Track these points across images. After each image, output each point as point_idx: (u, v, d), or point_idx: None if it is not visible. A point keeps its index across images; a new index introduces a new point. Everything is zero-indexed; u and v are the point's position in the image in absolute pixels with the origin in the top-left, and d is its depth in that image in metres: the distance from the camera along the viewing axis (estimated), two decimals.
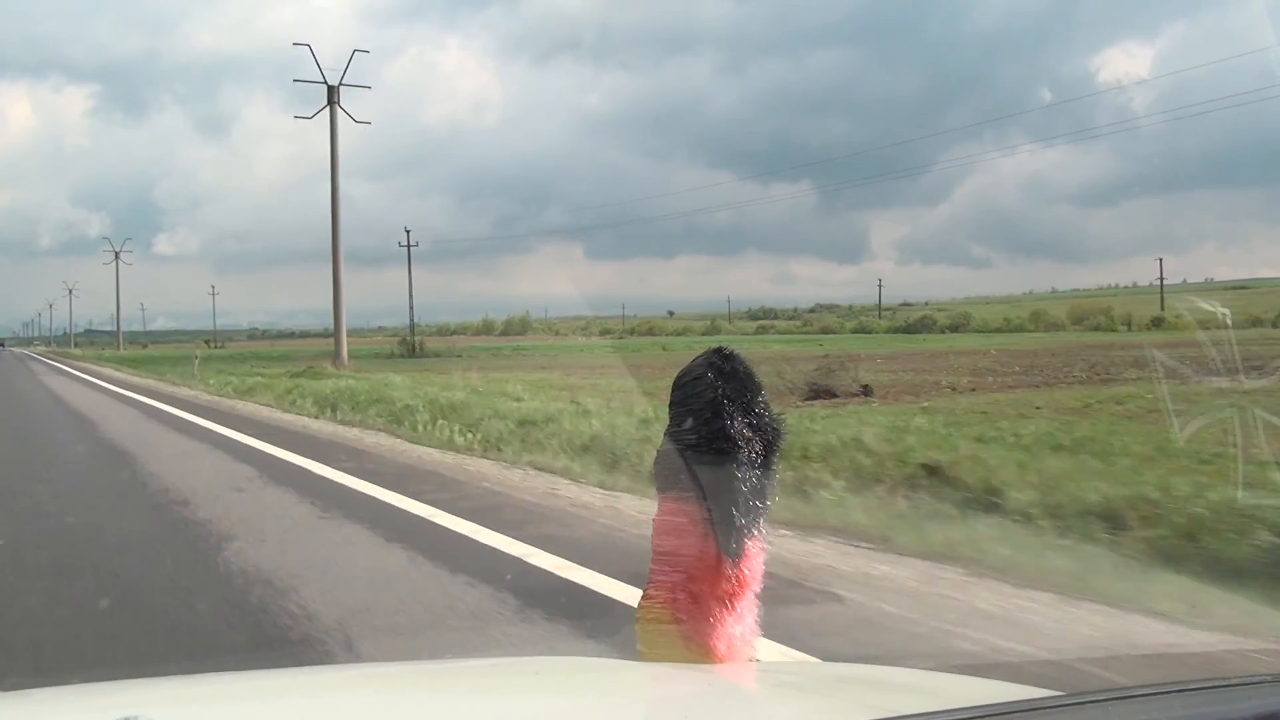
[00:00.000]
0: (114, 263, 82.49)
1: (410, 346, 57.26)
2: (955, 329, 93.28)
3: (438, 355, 50.58)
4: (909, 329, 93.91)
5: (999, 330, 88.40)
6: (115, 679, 2.51)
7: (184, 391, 22.73)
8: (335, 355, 30.36)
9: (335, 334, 31.48)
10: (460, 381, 17.03)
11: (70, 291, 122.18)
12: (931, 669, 2.79)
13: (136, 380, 29.28)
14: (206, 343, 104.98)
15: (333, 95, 30.61)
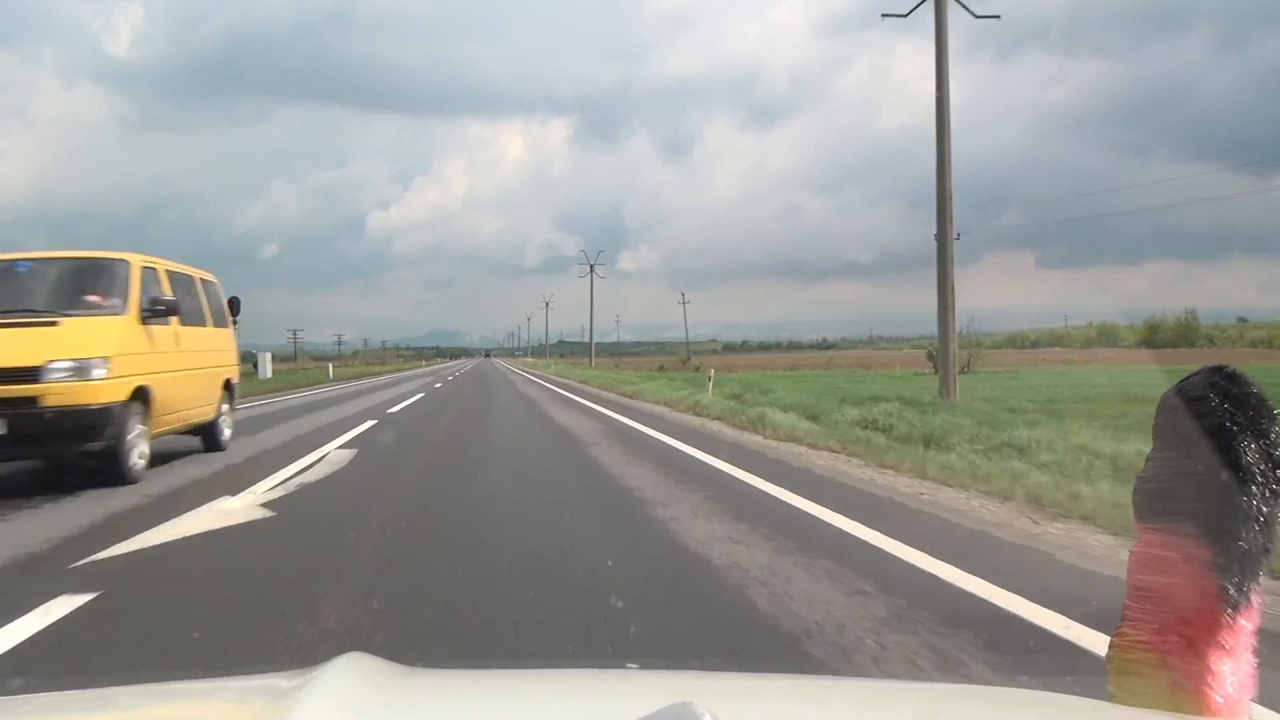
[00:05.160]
0: (588, 276, 76.51)
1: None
2: None
3: None
4: None
5: None
6: None
7: None
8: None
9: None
10: None
11: (548, 303, 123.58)
12: None
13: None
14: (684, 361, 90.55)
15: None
